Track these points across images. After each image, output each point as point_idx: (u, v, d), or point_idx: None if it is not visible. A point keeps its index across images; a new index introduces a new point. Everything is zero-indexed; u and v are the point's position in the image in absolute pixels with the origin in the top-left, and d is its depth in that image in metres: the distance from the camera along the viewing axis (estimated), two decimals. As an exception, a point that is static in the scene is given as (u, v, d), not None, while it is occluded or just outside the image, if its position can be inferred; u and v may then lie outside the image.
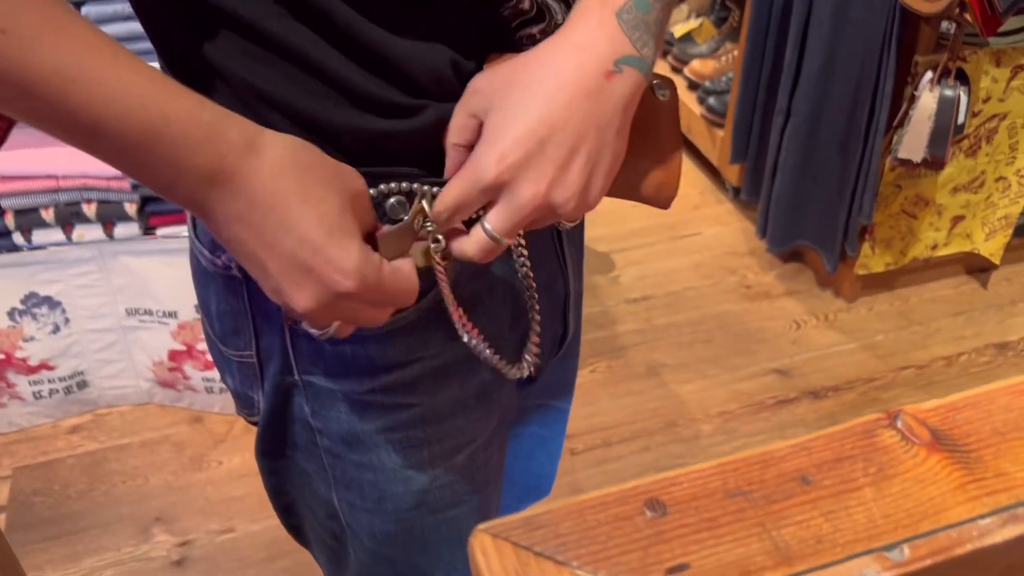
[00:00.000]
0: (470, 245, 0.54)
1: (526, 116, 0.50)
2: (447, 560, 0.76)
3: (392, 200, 0.56)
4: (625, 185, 0.59)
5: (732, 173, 2.36)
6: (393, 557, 0.75)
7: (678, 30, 2.70)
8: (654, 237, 2.36)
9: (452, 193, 0.53)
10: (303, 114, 0.54)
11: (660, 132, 0.60)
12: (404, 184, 0.55)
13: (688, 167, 2.61)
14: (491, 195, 0.52)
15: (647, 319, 2.11)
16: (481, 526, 0.35)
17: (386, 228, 0.54)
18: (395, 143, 0.56)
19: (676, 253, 2.31)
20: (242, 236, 0.47)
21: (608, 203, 2.33)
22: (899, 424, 0.40)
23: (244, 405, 0.70)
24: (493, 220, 0.53)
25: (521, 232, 0.61)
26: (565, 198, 0.52)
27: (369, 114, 0.54)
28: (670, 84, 0.60)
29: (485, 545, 0.34)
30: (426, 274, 0.59)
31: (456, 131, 0.54)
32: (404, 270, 0.53)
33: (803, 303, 2.16)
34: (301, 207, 0.47)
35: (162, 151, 0.43)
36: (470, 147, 0.54)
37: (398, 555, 0.75)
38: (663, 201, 0.62)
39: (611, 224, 2.40)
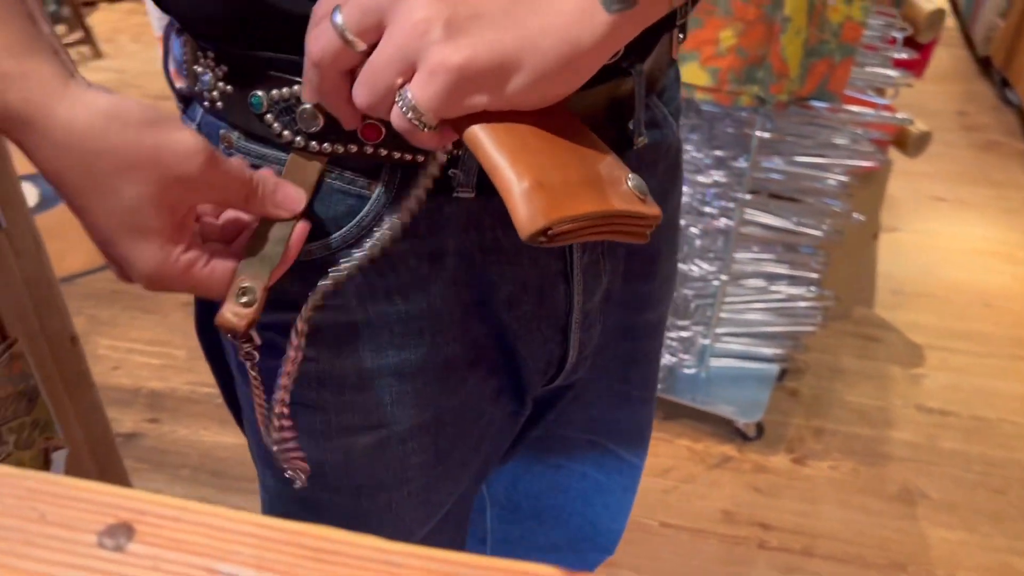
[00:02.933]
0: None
1: None
2: None
3: (307, 107, 0.48)
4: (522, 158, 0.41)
5: None
6: (288, 516, 0.67)
7: None
8: (990, 347, 1.92)
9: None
10: None
11: (608, 194, 0.42)
12: None
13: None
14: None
15: (932, 436, 1.73)
16: None
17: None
18: None
19: (1010, 376, 1.86)
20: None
21: (948, 290, 2.00)
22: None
23: None
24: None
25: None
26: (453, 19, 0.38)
27: None
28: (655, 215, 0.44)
29: None
30: (341, 207, 0.51)
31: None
32: (223, 267, 0.47)
33: None
34: (90, 196, 0.43)
35: None
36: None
37: (293, 517, 0.67)
38: (522, 219, 0.41)
39: (942, 314, 2.00)
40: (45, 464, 0.87)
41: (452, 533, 0.76)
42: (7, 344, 0.80)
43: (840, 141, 1.46)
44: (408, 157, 0.50)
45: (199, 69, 0.52)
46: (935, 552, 1.51)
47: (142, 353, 1.94)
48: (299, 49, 0.46)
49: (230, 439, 1.68)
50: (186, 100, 0.56)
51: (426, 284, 0.55)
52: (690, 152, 1.43)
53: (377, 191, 0.52)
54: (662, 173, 0.67)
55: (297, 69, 0.48)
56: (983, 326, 1.98)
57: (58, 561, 0.26)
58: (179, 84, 0.56)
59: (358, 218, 0.52)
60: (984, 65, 3.23)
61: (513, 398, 0.67)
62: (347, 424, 0.59)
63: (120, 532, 0.26)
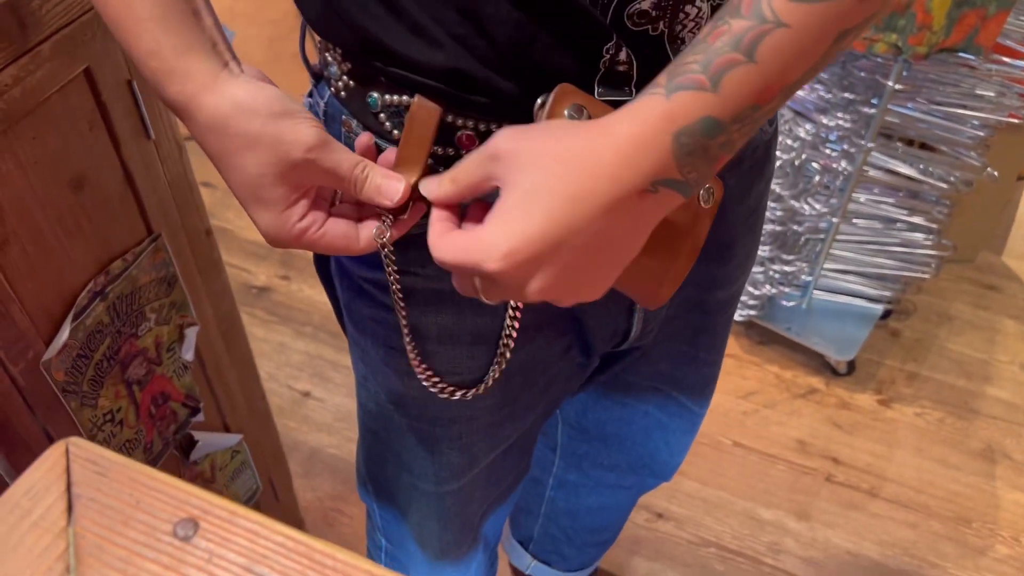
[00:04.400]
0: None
1: (546, 214, 0.46)
2: (420, 465, 0.77)
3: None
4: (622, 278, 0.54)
5: None
6: (376, 431, 0.79)
7: None
8: (1119, 315, 1.83)
9: (447, 254, 0.51)
10: (379, 44, 0.54)
11: (683, 236, 0.54)
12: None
13: None
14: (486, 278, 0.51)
15: (1031, 398, 1.70)
16: None
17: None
18: (430, 74, 0.54)
19: None
20: None
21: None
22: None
23: None
24: (486, 292, 0.51)
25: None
26: (564, 296, 0.51)
27: (428, 44, 0.53)
28: (719, 189, 0.54)
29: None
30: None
31: (465, 179, 0.51)
32: (332, 232, 0.55)
33: None
34: (226, 167, 0.53)
35: (146, 77, 0.53)
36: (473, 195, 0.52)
37: (380, 431, 0.78)
38: (649, 303, 0.57)
39: (1075, 274, 1.91)
40: (180, 338, 1.01)
41: (516, 459, 0.86)
42: (152, 238, 0.92)
43: (985, 92, 1.39)
44: None
45: (328, 58, 0.59)
46: (1004, 513, 1.53)
47: (279, 211, 2.10)
48: (409, 68, 0.54)
49: (349, 303, 1.84)
50: (317, 78, 0.63)
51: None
52: (818, 91, 1.40)
53: None
54: (745, 172, 0.70)
55: (407, 83, 0.54)
56: (1118, 290, 1.88)
57: (142, 542, 0.36)
58: (312, 62, 0.63)
59: None
60: None
61: (581, 352, 0.75)
62: (428, 368, 0.69)
63: (189, 525, 0.36)
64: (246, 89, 0.51)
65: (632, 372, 0.86)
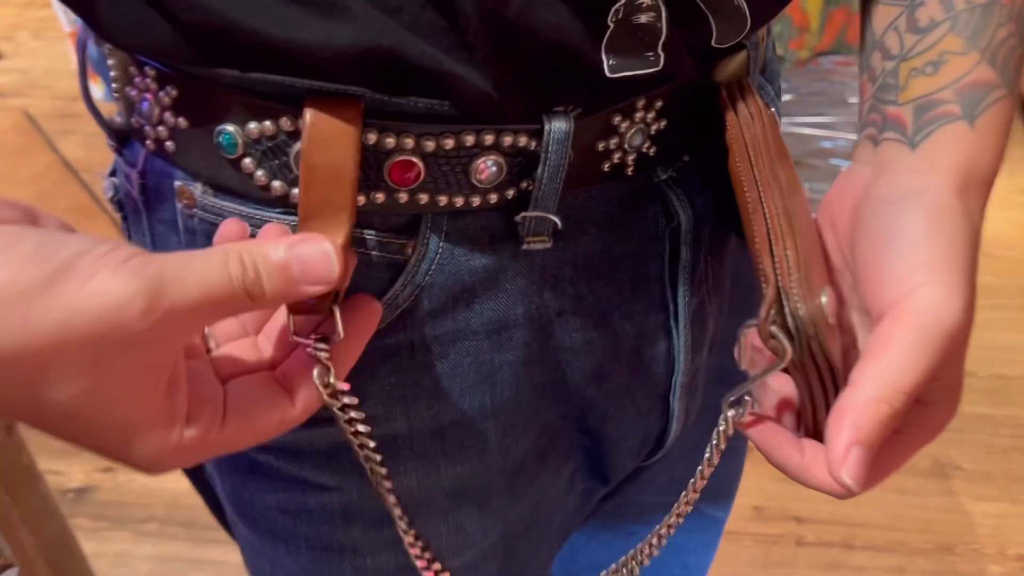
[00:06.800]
0: None
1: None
2: None
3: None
4: None
5: None
6: None
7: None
8: (996, 299, 1.83)
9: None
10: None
11: None
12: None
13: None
14: None
15: (955, 402, 1.63)
16: None
17: None
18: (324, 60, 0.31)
19: None
20: None
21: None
22: None
23: None
24: None
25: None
26: None
27: (322, 15, 0.30)
28: None
29: None
30: (368, 281, 0.37)
31: (908, 394, 0.33)
32: (243, 435, 0.31)
33: None
34: (40, 425, 0.29)
35: None
36: None
37: None
38: None
39: (944, 270, 1.91)
40: (-9, 592, 0.69)
41: None
42: (-77, 455, 0.61)
43: (854, 100, 1.33)
44: (458, 202, 0.35)
45: (133, 93, 0.35)
46: (980, 528, 1.42)
47: (84, 392, 1.73)
48: (290, 63, 0.30)
49: (197, 481, 1.50)
50: (119, 136, 0.38)
51: (487, 372, 0.40)
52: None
53: (417, 254, 0.36)
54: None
55: (286, 94, 0.31)
56: (985, 277, 1.88)
57: None
58: (106, 113, 0.38)
59: (391, 293, 0.36)
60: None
61: (591, 475, 0.53)
62: (388, 567, 0.43)
63: None
64: None
65: (645, 490, 0.64)
